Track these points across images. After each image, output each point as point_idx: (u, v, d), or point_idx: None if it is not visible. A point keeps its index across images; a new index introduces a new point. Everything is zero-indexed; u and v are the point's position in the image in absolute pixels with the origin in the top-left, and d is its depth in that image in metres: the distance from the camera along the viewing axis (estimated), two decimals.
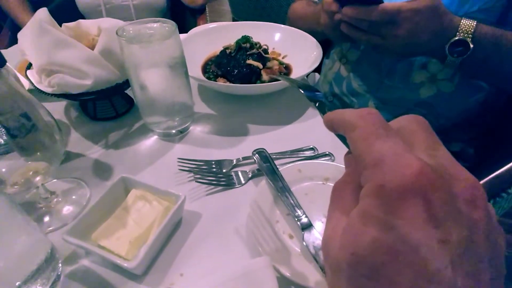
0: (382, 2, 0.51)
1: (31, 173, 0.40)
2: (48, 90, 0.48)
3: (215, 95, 0.63)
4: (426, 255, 0.14)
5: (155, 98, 0.50)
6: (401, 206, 0.15)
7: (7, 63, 0.35)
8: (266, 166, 0.46)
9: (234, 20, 1.44)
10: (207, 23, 1.21)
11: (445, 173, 0.16)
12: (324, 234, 0.19)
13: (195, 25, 1.23)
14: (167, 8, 1.26)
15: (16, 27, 1.20)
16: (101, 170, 0.49)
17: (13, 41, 0.96)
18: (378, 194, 0.16)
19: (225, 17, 1.42)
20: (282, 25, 0.72)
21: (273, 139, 0.55)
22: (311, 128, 0.57)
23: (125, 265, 0.34)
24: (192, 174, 0.47)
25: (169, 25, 0.46)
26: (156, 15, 1.24)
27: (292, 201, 0.41)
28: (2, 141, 0.39)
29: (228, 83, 0.61)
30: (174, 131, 0.54)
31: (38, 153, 0.40)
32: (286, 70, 0.67)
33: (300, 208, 0.41)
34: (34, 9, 1.22)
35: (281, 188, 0.43)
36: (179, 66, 0.48)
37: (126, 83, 0.52)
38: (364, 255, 0.16)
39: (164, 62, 0.46)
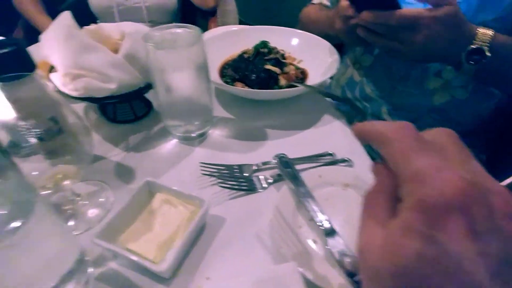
0: (400, 7, 0.52)
1: (60, 176, 0.40)
2: (73, 93, 0.48)
3: (232, 99, 0.64)
4: (468, 267, 0.15)
5: (179, 102, 0.51)
6: (444, 221, 0.16)
7: None
8: (288, 171, 0.47)
9: (240, 21, 1.44)
10: (218, 25, 1.22)
11: (482, 187, 0.17)
12: (359, 242, 0.20)
13: (206, 27, 1.24)
14: (178, 9, 1.27)
15: (29, 27, 1.21)
16: (123, 173, 0.50)
17: (26, 41, 0.97)
18: (421, 208, 0.16)
19: (230, 17, 1.41)
20: (298, 30, 0.72)
21: (291, 144, 0.56)
22: (328, 133, 0.58)
23: (155, 268, 0.35)
24: (213, 178, 0.48)
25: (194, 31, 0.47)
26: (168, 16, 1.25)
27: (314, 207, 0.42)
28: (27, 143, 0.40)
29: (246, 88, 0.61)
30: (193, 134, 0.55)
31: (67, 156, 0.41)
32: (302, 75, 0.67)
33: (323, 213, 0.41)
34: (47, 8, 1.23)
35: (303, 193, 0.44)
36: (203, 70, 0.49)
37: (147, 87, 0.53)
38: (408, 267, 0.16)
39: (189, 66, 0.47)
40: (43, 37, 0.58)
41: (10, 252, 0.28)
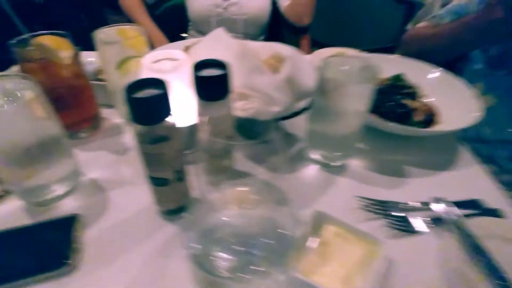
0: None
1: (239, 198, 0.42)
2: (240, 113, 0.50)
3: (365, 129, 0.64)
4: None
5: (334, 129, 0.51)
6: None
7: None
8: (452, 217, 0.45)
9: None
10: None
11: None
12: None
13: (295, 43, 1.26)
14: (267, 23, 1.30)
15: None
16: None
17: None
18: None
19: None
20: (436, 67, 0.70)
21: (431, 184, 0.54)
22: (470, 177, 0.56)
23: None
24: (367, 213, 0.48)
25: (373, 70, 0.47)
26: (259, 30, 1.28)
27: (490, 262, 0.40)
28: None
29: (388, 122, 0.60)
30: (335, 163, 0.55)
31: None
32: (431, 112, 0.66)
33: (502, 272, 0.40)
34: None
35: (474, 246, 0.42)
36: (363, 103, 0.49)
37: (301, 112, 0.54)
38: None
39: (359, 99, 0.48)
40: (195, 49, 0.61)
41: None
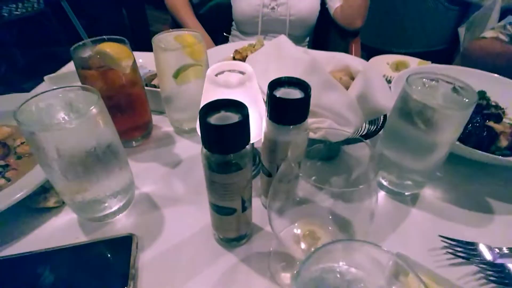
0: None
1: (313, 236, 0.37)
2: (311, 135, 0.45)
3: None
4: None
5: (414, 160, 0.45)
6: None
7: None
8: None
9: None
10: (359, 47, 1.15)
11: None
12: None
13: (343, 47, 1.19)
14: (314, 26, 1.23)
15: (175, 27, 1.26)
16: None
17: None
18: None
19: None
20: None
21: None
22: None
23: None
24: (448, 255, 0.42)
25: (470, 92, 0.41)
26: (305, 31, 1.22)
27: None
28: None
29: (471, 149, 0.53)
30: (408, 192, 0.49)
31: None
32: None
33: None
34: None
35: None
36: (454, 132, 0.43)
37: (373, 133, 0.49)
38: None
39: (448, 128, 0.41)
40: (253, 57, 0.57)
41: None
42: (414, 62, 0.83)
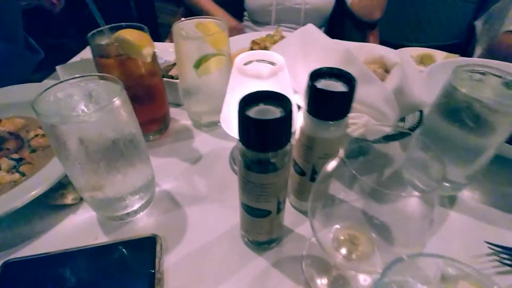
0: None
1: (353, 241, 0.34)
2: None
3: None
4: None
5: (457, 162, 0.42)
6: None
7: None
8: None
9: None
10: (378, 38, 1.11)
11: None
12: None
13: (360, 39, 1.14)
14: (329, 16, 1.19)
15: (188, 15, 1.22)
16: None
17: None
18: None
19: None
20: None
21: None
22: None
23: None
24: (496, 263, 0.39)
25: None
26: (320, 21, 1.18)
27: None
28: None
29: None
30: (443, 193, 0.46)
31: None
32: None
33: None
34: None
35: None
36: (506, 133, 0.40)
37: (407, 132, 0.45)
38: None
39: (499, 128, 0.38)
40: (278, 47, 0.53)
41: None
42: (440, 55, 0.79)
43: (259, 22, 1.21)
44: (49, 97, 0.35)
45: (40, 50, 0.72)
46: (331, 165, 0.29)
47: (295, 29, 1.14)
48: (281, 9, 1.13)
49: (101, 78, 0.37)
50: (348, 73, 0.33)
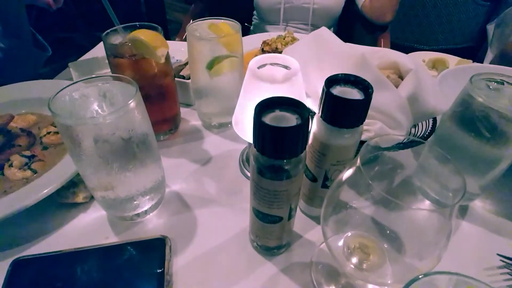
0: None
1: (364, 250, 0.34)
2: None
3: None
4: None
5: (470, 172, 0.41)
6: None
7: None
8: None
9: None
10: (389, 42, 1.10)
11: None
12: None
13: (370, 42, 1.14)
14: (338, 17, 1.18)
15: (197, 16, 1.22)
16: None
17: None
18: None
19: None
20: None
21: None
22: None
23: None
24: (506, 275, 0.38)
25: None
26: (329, 22, 1.17)
27: None
28: None
29: None
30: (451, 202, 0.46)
31: None
32: None
33: None
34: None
35: None
36: None
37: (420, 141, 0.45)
38: None
39: None
40: (291, 50, 0.53)
41: None
42: (453, 61, 0.78)
43: (268, 21, 1.21)
44: (64, 97, 0.35)
45: (48, 47, 0.72)
46: (348, 173, 0.29)
47: (304, 28, 1.13)
48: (289, 8, 1.12)
49: (116, 78, 0.37)
50: (365, 80, 0.33)
